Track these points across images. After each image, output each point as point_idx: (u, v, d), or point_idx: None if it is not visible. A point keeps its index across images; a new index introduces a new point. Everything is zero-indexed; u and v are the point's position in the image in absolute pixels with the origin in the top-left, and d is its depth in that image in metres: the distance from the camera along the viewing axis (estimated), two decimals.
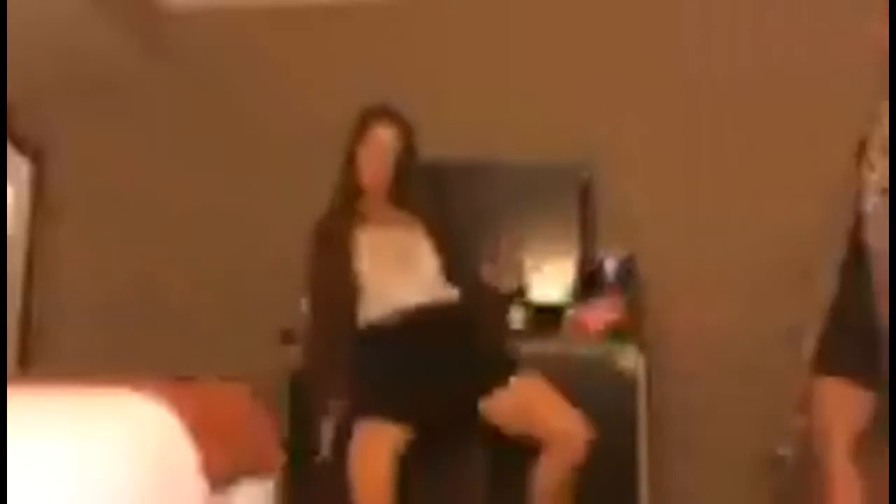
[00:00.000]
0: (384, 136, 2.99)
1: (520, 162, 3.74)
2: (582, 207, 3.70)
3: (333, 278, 2.91)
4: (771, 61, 3.81)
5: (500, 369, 2.80)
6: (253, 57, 4.17)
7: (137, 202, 4.14)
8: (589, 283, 3.51)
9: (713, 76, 3.84)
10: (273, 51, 4.19)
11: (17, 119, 4.02)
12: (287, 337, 3.45)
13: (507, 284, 3.17)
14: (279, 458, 2.20)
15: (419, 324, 2.82)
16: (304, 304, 3.53)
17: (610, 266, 3.48)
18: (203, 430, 1.64)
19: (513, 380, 2.76)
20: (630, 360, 3.29)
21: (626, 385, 3.27)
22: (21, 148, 4.12)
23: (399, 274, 2.90)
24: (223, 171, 4.12)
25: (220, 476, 1.69)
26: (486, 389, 2.76)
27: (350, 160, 3.02)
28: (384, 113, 3.02)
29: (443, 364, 2.77)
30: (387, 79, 4.09)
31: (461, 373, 2.77)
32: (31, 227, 4.12)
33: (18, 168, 4.12)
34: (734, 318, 3.63)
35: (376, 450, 2.67)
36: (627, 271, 3.50)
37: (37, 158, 4.17)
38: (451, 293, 2.90)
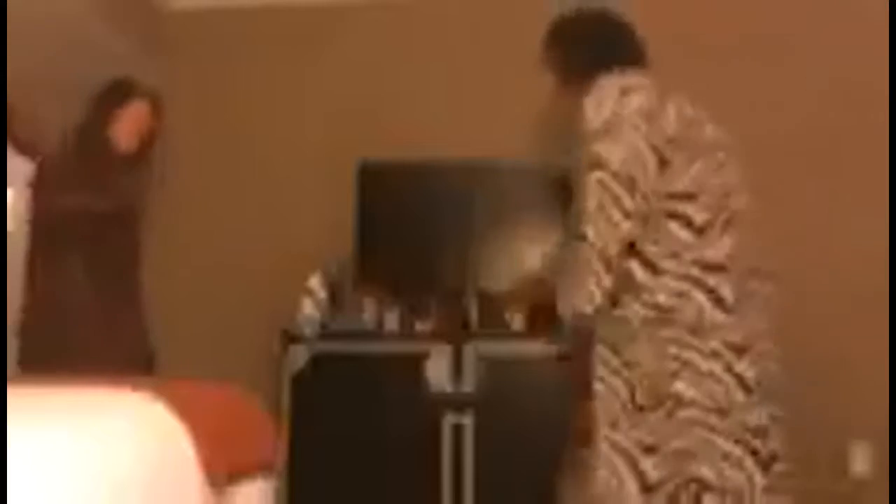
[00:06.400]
0: None
1: (518, 162, 3.74)
2: None
3: None
4: (771, 63, 3.81)
5: None
6: (253, 57, 4.17)
7: None
8: None
9: (712, 76, 3.84)
10: (273, 51, 4.19)
11: (18, 120, 4.02)
12: (287, 337, 3.46)
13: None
14: (279, 458, 2.20)
15: None
16: (305, 305, 3.54)
17: None
18: (203, 430, 1.64)
19: None
20: None
21: None
22: (21, 149, 4.11)
23: None
24: (223, 171, 4.12)
25: (220, 476, 1.69)
26: None
27: None
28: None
29: None
30: (386, 79, 4.10)
31: None
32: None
33: (18, 169, 4.11)
34: None
35: None
36: None
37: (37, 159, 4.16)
38: None
